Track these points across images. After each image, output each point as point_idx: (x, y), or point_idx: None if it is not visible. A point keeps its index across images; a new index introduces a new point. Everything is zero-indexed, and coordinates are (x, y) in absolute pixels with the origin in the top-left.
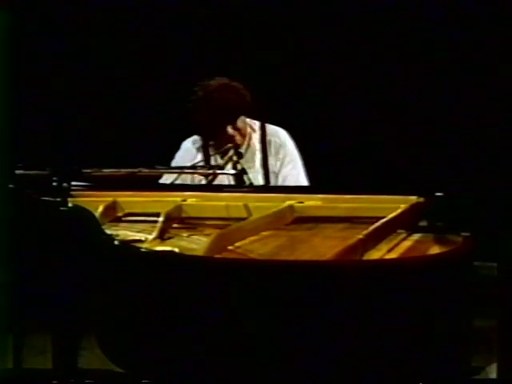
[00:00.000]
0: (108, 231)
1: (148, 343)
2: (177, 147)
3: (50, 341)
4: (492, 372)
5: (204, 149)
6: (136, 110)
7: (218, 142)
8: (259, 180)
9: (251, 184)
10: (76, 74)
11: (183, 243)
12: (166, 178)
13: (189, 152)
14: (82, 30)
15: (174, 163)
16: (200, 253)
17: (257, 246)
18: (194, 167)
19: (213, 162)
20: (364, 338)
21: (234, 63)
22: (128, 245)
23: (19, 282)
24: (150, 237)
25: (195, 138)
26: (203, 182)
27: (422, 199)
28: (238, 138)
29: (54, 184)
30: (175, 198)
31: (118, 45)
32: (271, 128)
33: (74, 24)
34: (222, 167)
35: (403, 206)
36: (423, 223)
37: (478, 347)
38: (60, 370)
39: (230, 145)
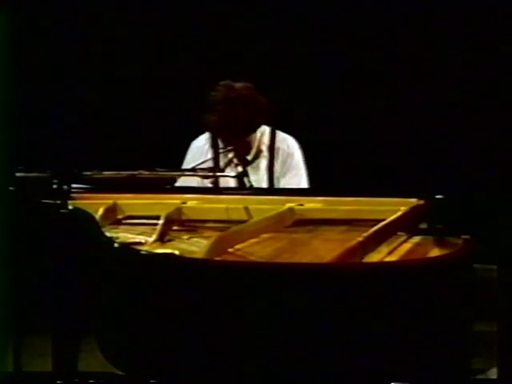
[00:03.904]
0: (108, 233)
1: (148, 345)
2: (176, 149)
3: (50, 343)
4: (492, 375)
5: (214, 147)
6: (136, 112)
7: (238, 143)
8: (263, 185)
9: (251, 186)
10: (76, 75)
11: (183, 246)
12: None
13: (200, 150)
14: (82, 32)
15: (185, 164)
16: (200, 255)
17: (257, 249)
18: (194, 169)
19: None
20: (363, 340)
21: (233, 65)
22: (128, 247)
23: (19, 284)
24: (150, 239)
25: (207, 136)
26: (209, 184)
27: (422, 202)
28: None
29: (55, 186)
30: (175, 200)
31: (119, 47)
32: (281, 135)
33: (74, 26)
34: (222, 169)
35: (403, 209)
36: (423, 226)
37: (478, 350)
38: (60, 372)
39: (230, 147)
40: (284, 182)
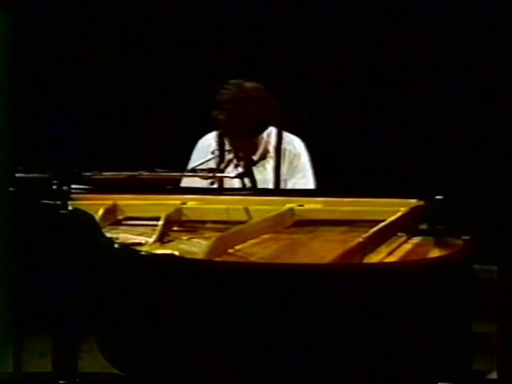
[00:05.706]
0: (108, 234)
1: (148, 346)
2: (176, 150)
3: (50, 344)
4: (492, 376)
5: (220, 146)
6: (136, 112)
7: (245, 143)
8: (269, 186)
9: (253, 187)
10: (76, 76)
11: (183, 246)
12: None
13: (206, 149)
14: (82, 31)
15: (191, 163)
16: (200, 256)
17: (257, 250)
18: (194, 170)
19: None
20: (363, 342)
21: (234, 66)
22: (128, 248)
23: (19, 285)
24: (150, 240)
25: (214, 135)
26: (215, 184)
27: (421, 202)
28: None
29: (55, 187)
30: (175, 201)
31: (120, 46)
32: (287, 136)
33: (73, 26)
34: (222, 170)
35: (403, 210)
36: (423, 226)
37: (478, 351)
38: (60, 373)
39: (236, 147)
40: (291, 184)
